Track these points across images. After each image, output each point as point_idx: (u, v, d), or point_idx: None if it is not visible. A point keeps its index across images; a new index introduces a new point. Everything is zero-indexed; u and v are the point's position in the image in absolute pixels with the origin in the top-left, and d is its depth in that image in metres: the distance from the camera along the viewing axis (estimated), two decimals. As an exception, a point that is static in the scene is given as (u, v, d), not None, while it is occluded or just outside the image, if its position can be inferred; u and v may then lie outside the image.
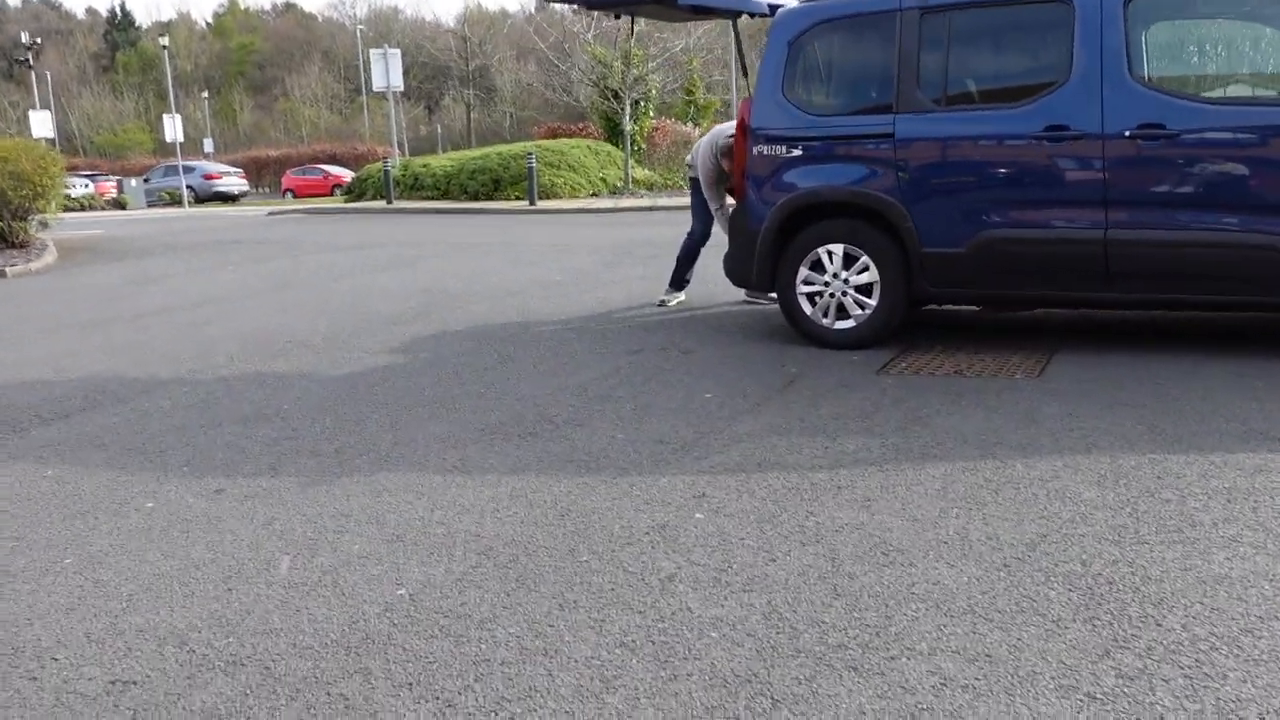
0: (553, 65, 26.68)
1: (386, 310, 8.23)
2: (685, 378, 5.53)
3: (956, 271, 5.75)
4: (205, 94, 65.45)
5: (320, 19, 77.12)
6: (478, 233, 15.62)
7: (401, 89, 24.63)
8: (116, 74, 77.82)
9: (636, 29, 23.04)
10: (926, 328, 6.48)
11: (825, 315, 6.11)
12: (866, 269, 5.95)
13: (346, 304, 8.65)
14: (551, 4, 6.72)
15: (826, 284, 6.06)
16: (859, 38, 6.00)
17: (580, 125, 29.07)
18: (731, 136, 7.24)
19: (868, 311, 5.99)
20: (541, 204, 20.29)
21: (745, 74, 6.39)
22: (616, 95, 23.32)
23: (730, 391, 5.19)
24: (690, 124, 28.86)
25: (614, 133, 26.05)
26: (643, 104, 24.44)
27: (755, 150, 6.17)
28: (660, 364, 5.90)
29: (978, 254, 5.65)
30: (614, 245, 12.59)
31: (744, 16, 7.23)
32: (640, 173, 24.21)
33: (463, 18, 57.18)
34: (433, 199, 22.28)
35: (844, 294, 6.03)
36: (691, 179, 7.86)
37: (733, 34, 6.37)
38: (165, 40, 33.71)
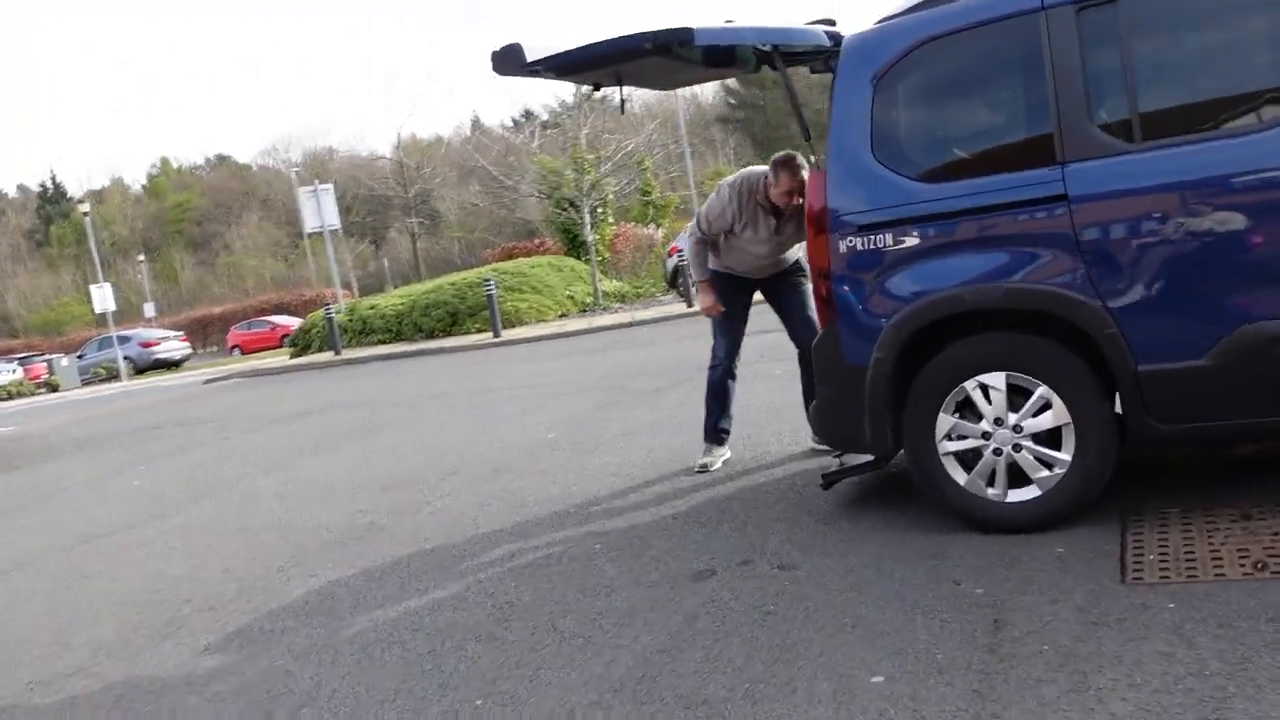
0: (498, 183, 24.87)
1: (328, 523, 5.99)
2: (813, 635, 3.34)
3: (1200, 394, 3.64)
4: (142, 257, 63.45)
5: (255, 168, 75.72)
6: (440, 379, 13.44)
7: (338, 226, 22.70)
8: (51, 247, 75.81)
9: (617, 102, 21.31)
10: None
11: (990, 483, 3.97)
12: (1047, 406, 3.84)
13: (275, 518, 6.39)
14: (504, 76, 4.59)
15: (986, 435, 3.93)
16: (984, 59, 3.96)
17: (536, 242, 27.22)
18: (753, 180, 5.39)
19: (1059, 471, 3.86)
20: (507, 334, 18.18)
21: (808, 136, 4.33)
22: (573, 204, 21.46)
23: (906, 663, 3.00)
24: (651, 226, 27.10)
25: (574, 245, 24.17)
26: (601, 210, 22.59)
27: (842, 247, 4.08)
28: (754, 602, 3.70)
29: (1234, 365, 3.56)
30: (604, 379, 10.45)
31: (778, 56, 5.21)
32: (609, 285, 22.25)
33: (398, 145, 55.83)
34: (385, 342, 20.14)
35: (1016, 448, 3.90)
36: (698, 282, 5.82)
37: (783, 84, 4.29)
38: (86, 208, 31.70)
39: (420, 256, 55.19)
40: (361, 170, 60.23)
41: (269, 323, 41.43)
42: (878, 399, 4.05)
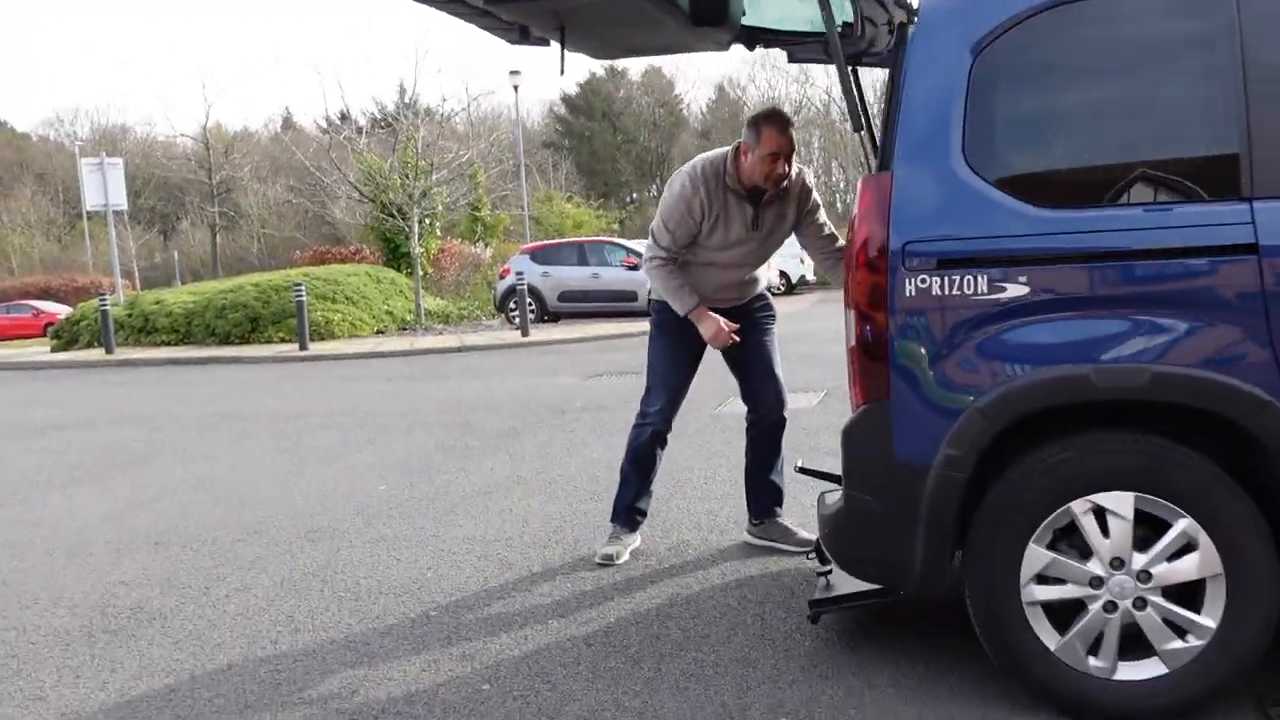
0: (314, 179, 22.67)
1: (74, 598, 4.22)
2: None
3: None
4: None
5: (35, 138, 69.07)
6: (236, 396, 11.45)
7: (124, 207, 20.05)
8: None
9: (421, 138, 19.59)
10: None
11: (1094, 651, 2.74)
12: (1190, 548, 2.65)
13: (-7, 587, 4.56)
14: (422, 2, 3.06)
15: (1096, 582, 2.71)
16: (1144, 34, 2.77)
17: (353, 249, 25.08)
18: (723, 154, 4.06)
19: (1197, 641, 2.67)
20: (316, 347, 16.18)
21: (865, 123, 3.06)
22: (400, 211, 19.62)
23: None
24: (480, 244, 25.45)
25: (395, 256, 22.27)
26: (429, 221, 20.83)
27: (909, 288, 2.78)
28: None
29: None
30: (442, 413, 8.87)
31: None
32: (433, 302, 20.49)
33: (203, 130, 51.70)
34: (170, 344, 17.67)
35: (1139, 604, 2.69)
36: (653, 304, 4.41)
37: (832, 44, 2.96)
38: None
39: (218, 254, 51.24)
40: (158, 151, 55.68)
41: (32, 308, 37.13)
42: (943, 514, 2.76)
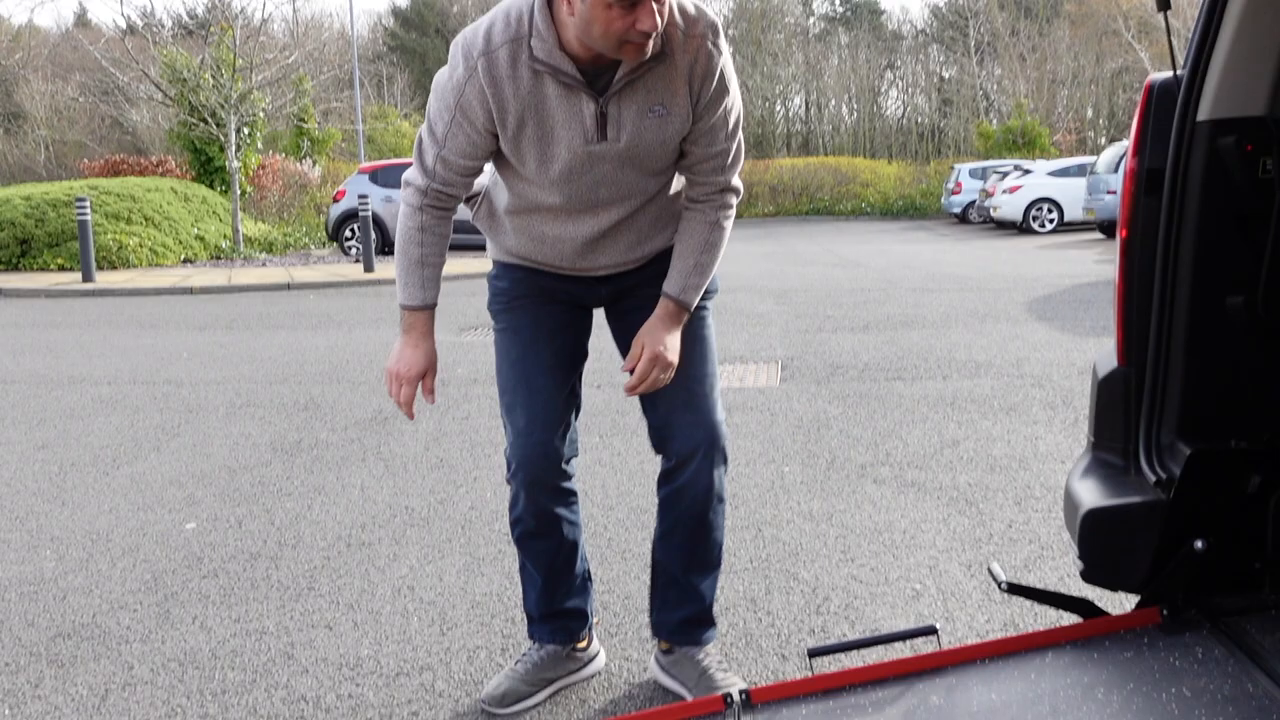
0: (108, 78, 19.12)
1: None
2: None
3: None
4: None
5: None
6: (-14, 343, 8.71)
7: None
8: None
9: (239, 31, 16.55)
10: None
11: None
12: None
13: None
14: None
15: None
16: None
17: (154, 160, 21.51)
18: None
19: None
20: (105, 279, 13.20)
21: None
22: (214, 117, 16.55)
23: None
24: (307, 162, 22.36)
25: (207, 170, 19.08)
26: (249, 132, 17.78)
27: None
28: None
29: None
30: (274, 383, 6.53)
31: None
32: (253, 227, 17.56)
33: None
34: (-85, 268, 14.31)
35: None
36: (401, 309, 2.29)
37: None
38: None
39: (-8, 160, 45.26)
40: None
41: None
42: None
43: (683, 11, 1.98)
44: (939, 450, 4.52)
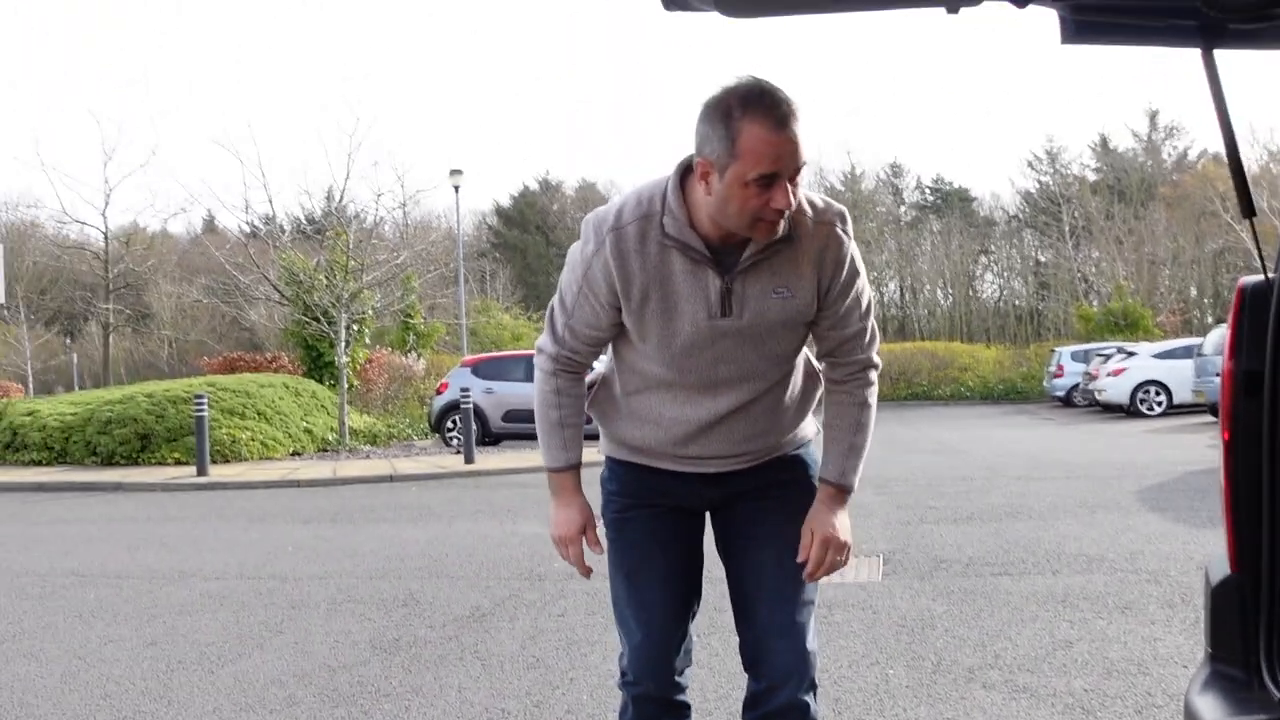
0: (230, 279, 20.30)
1: None
2: None
3: None
4: None
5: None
6: (104, 540, 9.03)
7: (1, 301, 17.62)
8: None
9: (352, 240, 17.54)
10: None
11: None
12: None
13: None
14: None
15: None
16: None
17: (269, 357, 22.58)
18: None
19: None
20: (217, 472, 13.69)
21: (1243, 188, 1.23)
22: (325, 316, 17.38)
23: None
24: (412, 355, 23.19)
25: (317, 366, 19.91)
26: (357, 328, 18.59)
27: None
28: None
29: None
30: (374, 578, 6.60)
31: None
32: (359, 420, 18.12)
33: (120, 232, 48.65)
34: (42, 464, 14.99)
35: None
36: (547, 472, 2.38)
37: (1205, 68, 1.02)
38: None
39: (120, 358, 47.90)
40: (70, 254, 52.60)
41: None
42: None
43: (810, 201, 2.08)
44: (1051, 652, 4.33)
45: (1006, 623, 4.84)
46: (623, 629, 2.33)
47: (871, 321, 2.22)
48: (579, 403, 2.29)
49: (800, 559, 2.21)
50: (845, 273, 2.10)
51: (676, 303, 2.08)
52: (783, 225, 2.00)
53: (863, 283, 2.16)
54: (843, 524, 2.22)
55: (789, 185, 1.93)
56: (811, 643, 2.26)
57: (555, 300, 2.25)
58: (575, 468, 2.31)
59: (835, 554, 2.20)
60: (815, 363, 2.35)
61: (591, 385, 2.37)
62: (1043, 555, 6.39)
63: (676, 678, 2.31)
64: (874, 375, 2.25)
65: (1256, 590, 2.04)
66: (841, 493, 2.23)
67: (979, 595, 5.41)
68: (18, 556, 8.01)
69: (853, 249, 2.12)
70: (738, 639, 2.35)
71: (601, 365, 2.37)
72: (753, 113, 1.89)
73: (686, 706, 2.35)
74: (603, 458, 2.43)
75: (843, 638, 4.67)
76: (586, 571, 2.35)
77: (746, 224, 1.97)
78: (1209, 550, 6.01)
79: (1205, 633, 2.14)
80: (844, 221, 2.11)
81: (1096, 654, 4.27)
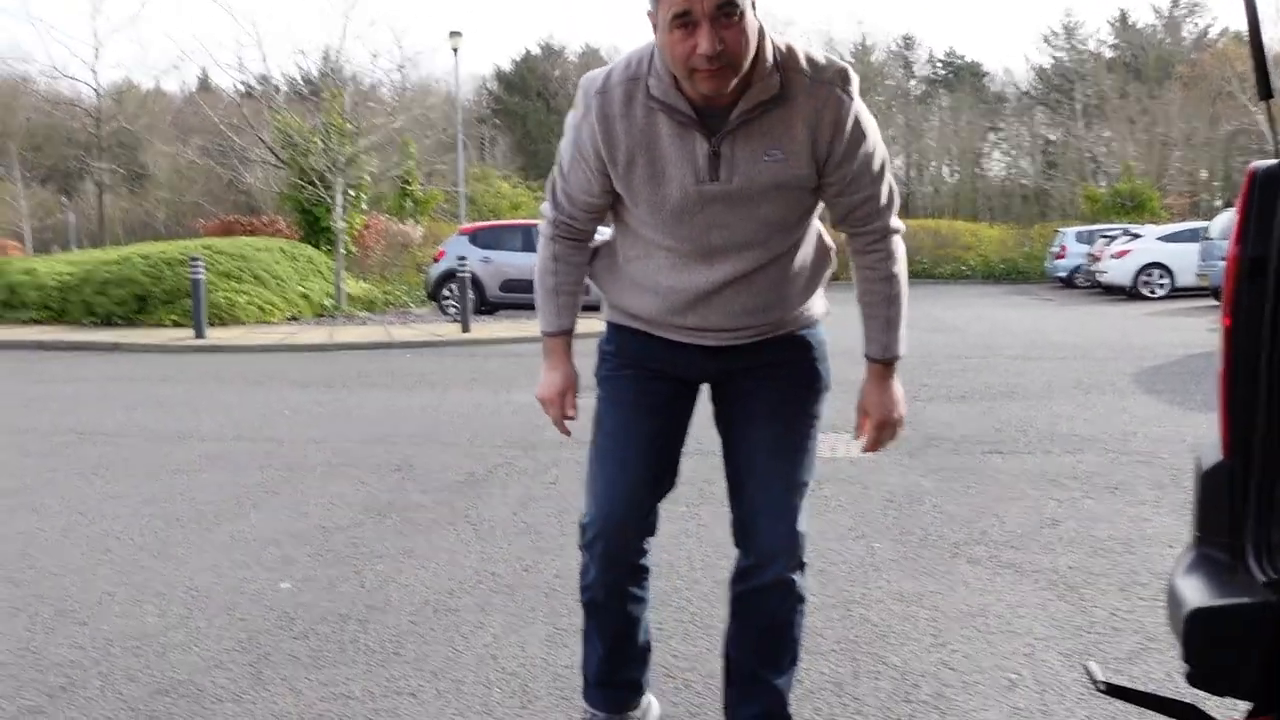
0: (225, 140, 19.95)
1: None
2: None
3: None
4: None
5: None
6: (104, 399, 9.09)
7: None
8: None
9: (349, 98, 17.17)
10: None
11: None
12: None
13: None
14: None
15: None
16: None
17: (265, 220, 22.38)
18: None
19: None
20: (215, 335, 13.71)
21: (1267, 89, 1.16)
22: (321, 180, 17.15)
23: None
24: (409, 222, 22.98)
25: (314, 230, 19.75)
26: (354, 193, 18.36)
27: None
28: None
29: None
30: (369, 443, 6.66)
31: None
32: (355, 286, 18.07)
33: (113, 89, 47.63)
34: (39, 322, 14.99)
35: None
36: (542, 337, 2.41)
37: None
38: None
39: (117, 218, 47.48)
40: (62, 110, 51.60)
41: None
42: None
43: (810, 59, 1.98)
44: (1038, 530, 4.38)
45: (995, 500, 4.89)
46: (591, 487, 2.29)
47: (888, 185, 2.12)
48: (577, 271, 2.27)
49: (857, 437, 2.29)
50: (848, 135, 2.01)
51: (664, 167, 2.02)
52: (775, 82, 1.93)
53: (871, 145, 2.06)
54: (896, 397, 2.27)
55: (710, 26, 1.81)
56: (802, 524, 2.25)
57: (555, 166, 2.20)
58: (567, 333, 2.33)
59: (891, 431, 2.28)
60: (828, 240, 2.29)
61: (595, 251, 2.32)
62: (1035, 435, 6.43)
63: (641, 543, 2.30)
64: (896, 241, 2.17)
65: (1246, 477, 2.02)
66: (889, 367, 2.24)
67: (968, 472, 5.46)
68: (19, 414, 8.07)
69: (857, 109, 2.02)
70: (731, 516, 2.35)
71: (607, 232, 2.31)
72: None
73: (646, 570, 2.35)
74: (604, 324, 2.39)
75: (830, 511, 4.72)
76: (566, 432, 2.38)
77: (685, 75, 1.89)
78: (1202, 434, 6.05)
79: (1194, 516, 2.14)
80: (845, 81, 2.00)
81: (1083, 532, 4.32)
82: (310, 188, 17.75)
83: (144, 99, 55.10)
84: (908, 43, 53.17)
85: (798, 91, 1.96)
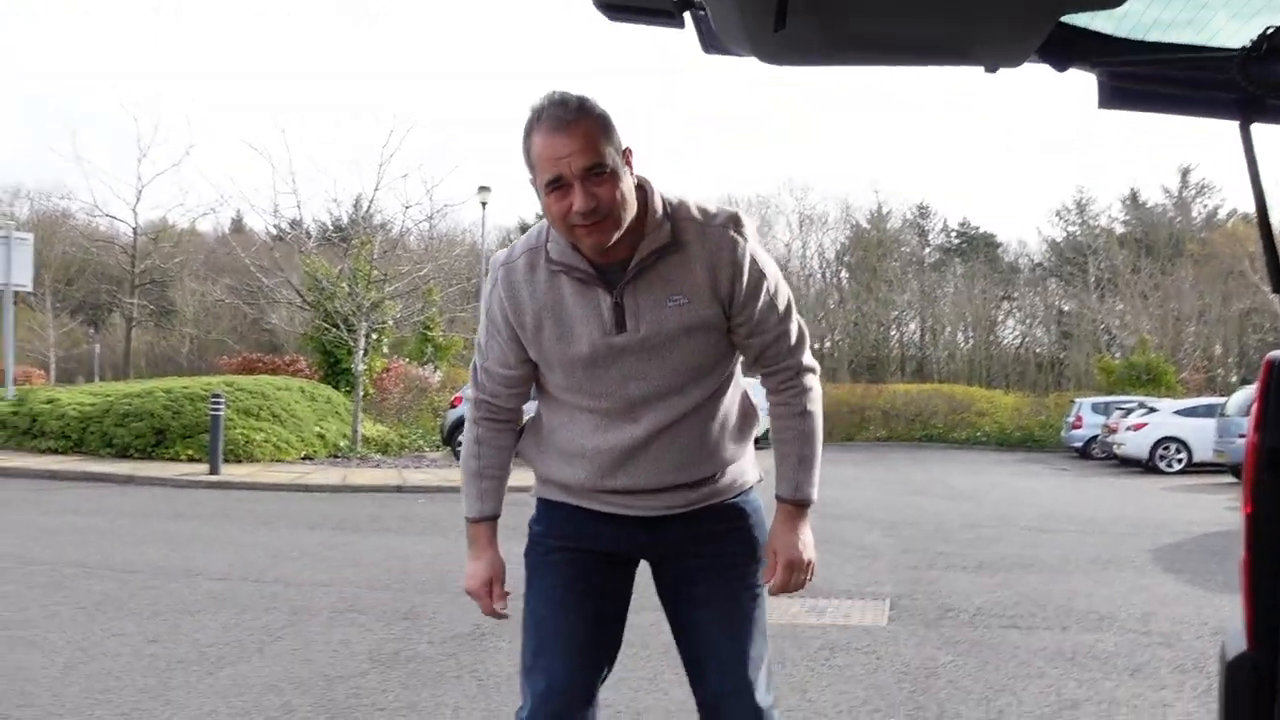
0: (253, 280, 20.38)
1: None
2: None
3: None
4: None
5: (-32, 216, 65.83)
6: (113, 533, 9.06)
7: (27, 287, 17.81)
8: None
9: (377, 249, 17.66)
10: None
11: None
12: None
13: None
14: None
15: None
16: None
17: (286, 359, 22.70)
18: None
19: None
20: (229, 471, 13.73)
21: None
22: (345, 323, 17.45)
23: None
24: (429, 367, 23.24)
25: (334, 372, 19.97)
26: (376, 337, 18.65)
27: None
28: None
29: None
30: (377, 589, 6.58)
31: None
32: (372, 428, 18.15)
33: (150, 228, 49.00)
34: (59, 452, 15.05)
35: None
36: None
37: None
38: None
39: (141, 350, 48.16)
40: (99, 246, 53.03)
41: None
42: None
43: (701, 208, 2.08)
44: (1057, 712, 4.26)
45: (1012, 677, 4.77)
46: (525, 679, 2.20)
47: (795, 323, 2.16)
48: (501, 454, 2.27)
49: (764, 580, 2.21)
50: (747, 274, 2.06)
51: (572, 325, 2.08)
52: (666, 231, 2.02)
53: (774, 283, 2.11)
54: (805, 541, 2.19)
55: (581, 186, 1.91)
56: (763, 698, 2.19)
57: (475, 348, 2.26)
58: (491, 520, 2.28)
59: (800, 574, 2.19)
60: (754, 398, 2.30)
61: (522, 429, 2.32)
62: (1052, 610, 6.31)
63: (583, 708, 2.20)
64: (810, 380, 2.19)
65: (1273, 668, 2.00)
66: (800, 508, 2.20)
67: (985, 647, 5.35)
68: (29, 544, 8.04)
69: (753, 249, 2.07)
70: (695, 702, 2.27)
71: (533, 407, 2.33)
72: (538, 124, 1.95)
73: None
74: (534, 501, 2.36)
75: (844, 682, 4.62)
76: (501, 618, 2.30)
77: (568, 233, 1.99)
78: (1224, 616, 5.93)
79: (1219, 709, 2.10)
80: (737, 224, 2.07)
81: (1104, 717, 4.21)
82: (334, 330, 18.05)
83: (178, 238, 56.57)
84: (923, 211, 54.42)
85: (691, 238, 2.04)
